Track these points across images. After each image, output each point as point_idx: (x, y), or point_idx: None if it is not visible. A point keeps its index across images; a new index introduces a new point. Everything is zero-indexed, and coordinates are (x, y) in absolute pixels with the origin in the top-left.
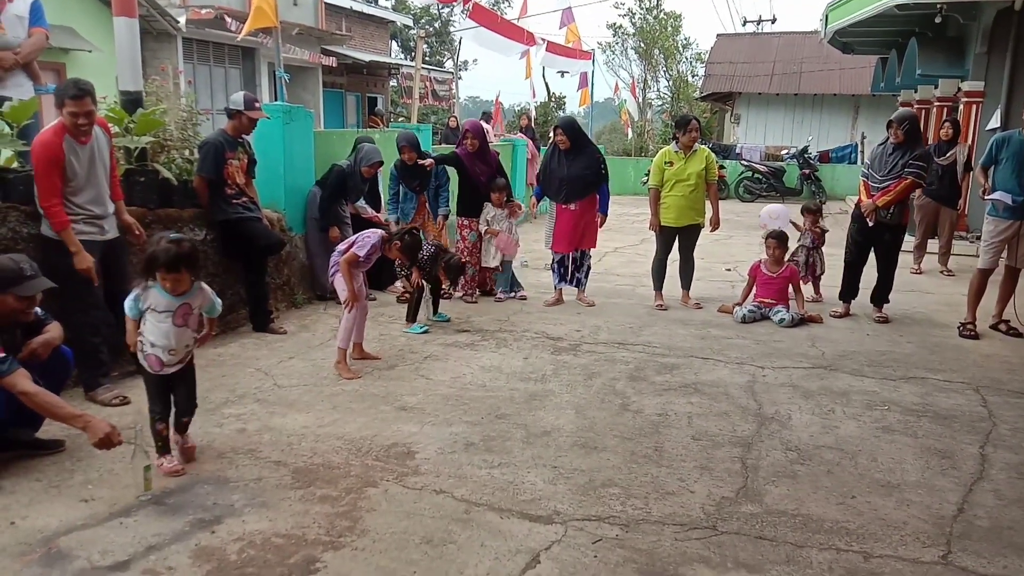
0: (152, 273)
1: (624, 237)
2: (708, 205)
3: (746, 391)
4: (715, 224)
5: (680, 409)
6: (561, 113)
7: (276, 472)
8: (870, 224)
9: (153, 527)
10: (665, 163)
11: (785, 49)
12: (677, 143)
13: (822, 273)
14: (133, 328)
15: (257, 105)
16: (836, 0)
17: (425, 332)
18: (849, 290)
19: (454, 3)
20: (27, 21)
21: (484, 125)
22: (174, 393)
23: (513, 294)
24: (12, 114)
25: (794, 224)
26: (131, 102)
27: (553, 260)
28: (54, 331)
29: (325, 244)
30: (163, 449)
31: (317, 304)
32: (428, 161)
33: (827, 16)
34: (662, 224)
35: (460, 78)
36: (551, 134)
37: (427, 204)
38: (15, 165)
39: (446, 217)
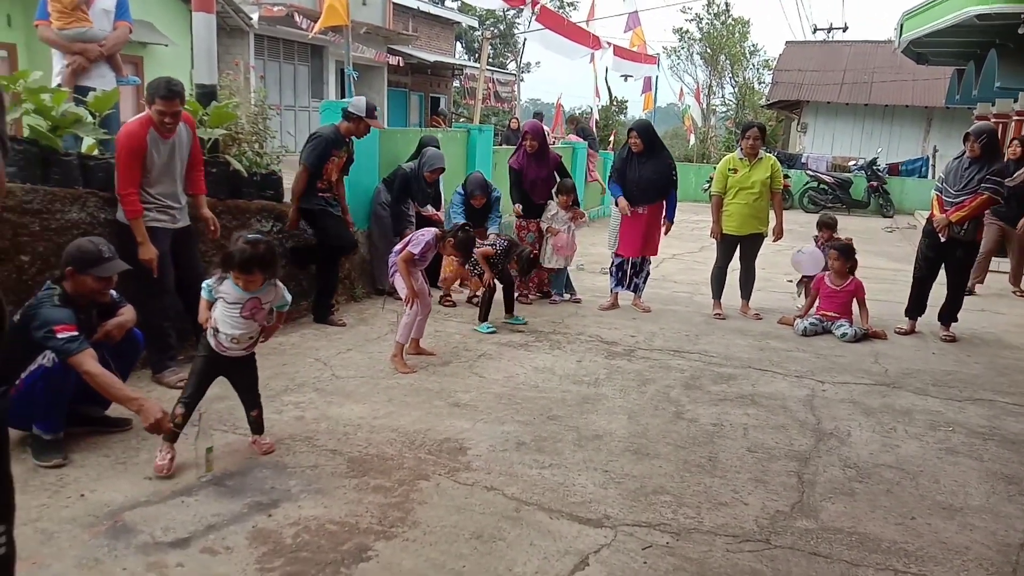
0: (228, 269)
1: (683, 244)
2: (772, 214)
3: (805, 405)
4: (778, 234)
5: (736, 420)
6: (622, 117)
7: (332, 460)
8: (942, 240)
9: (213, 507)
10: (729, 170)
11: (856, 58)
12: (742, 150)
13: None
14: (205, 307)
15: (376, 114)
16: (913, 9)
17: (493, 332)
18: (916, 307)
19: (522, 6)
20: (113, 15)
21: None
22: (233, 384)
23: (568, 296)
24: (95, 104)
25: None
26: (206, 95)
27: (612, 263)
28: (128, 314)
29: (386, 240)
30: (169, 438)
31: (376, 298)
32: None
33: (902, 25)
34: (724, 232)
35: (523, 80)
36: (611, 137)
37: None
38: (96, 153)
39: (498, 235)
